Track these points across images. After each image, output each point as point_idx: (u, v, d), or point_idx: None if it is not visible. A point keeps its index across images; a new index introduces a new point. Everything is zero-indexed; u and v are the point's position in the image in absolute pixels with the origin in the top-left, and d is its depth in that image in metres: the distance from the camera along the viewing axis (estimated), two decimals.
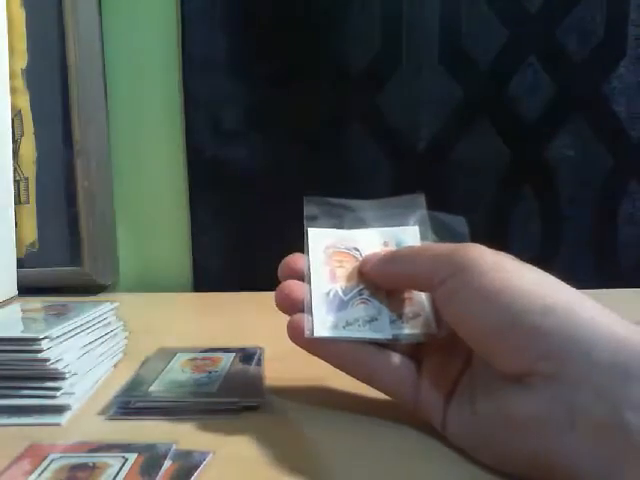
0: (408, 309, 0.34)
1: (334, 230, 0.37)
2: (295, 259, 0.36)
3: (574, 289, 0.28)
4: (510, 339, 0.27)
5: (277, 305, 0.35)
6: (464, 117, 0.73)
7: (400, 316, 0.34)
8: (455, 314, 0.30)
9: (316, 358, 0.34)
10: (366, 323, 0.33)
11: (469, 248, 0.30)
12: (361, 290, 0.35)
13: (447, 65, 0.72)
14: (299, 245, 0.37)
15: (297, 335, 0.34)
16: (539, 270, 0.30)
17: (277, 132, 0.73)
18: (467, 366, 0.32)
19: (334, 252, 0.36)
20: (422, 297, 0.35)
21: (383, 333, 0.33)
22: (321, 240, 0.36)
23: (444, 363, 0.33)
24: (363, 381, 0.34)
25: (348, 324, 0.33)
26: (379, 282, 0.35)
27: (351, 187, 0.74)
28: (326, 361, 0.34)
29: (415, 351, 0.34)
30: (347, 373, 0.34)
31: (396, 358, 0.34)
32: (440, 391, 0.32)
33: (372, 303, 0.34)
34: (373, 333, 0.33)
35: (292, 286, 0.35)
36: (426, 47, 0.72)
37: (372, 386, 0.34)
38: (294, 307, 0.34)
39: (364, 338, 0.33)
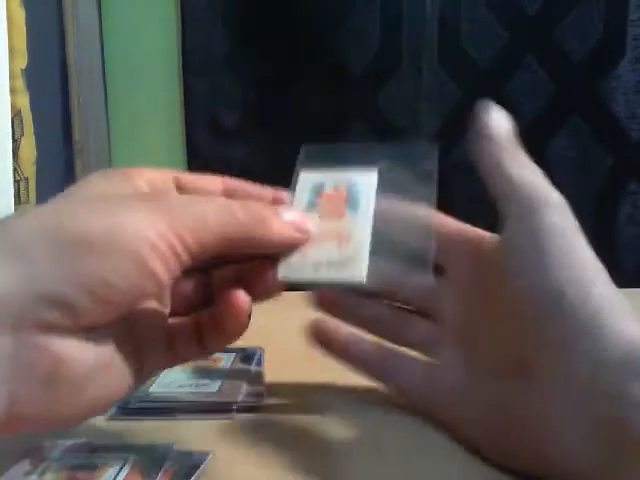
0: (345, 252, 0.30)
1: (327, 171, 0.33)
2: None
3: None
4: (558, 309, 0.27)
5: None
6: (463, 117, 0.73)
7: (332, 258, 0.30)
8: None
9: (316, 359, 0.34)
10: (339, 265, 0.29)
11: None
12: (339, 228, 0.31)
13: (446, 65, 0.72)
14: None
15: (320, 339, 0.35)
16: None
17: (277, 131, 0.73)
18: (477, 363, 0.32)
19: (322, 193, 0.32)
20: (365, 240, 0.31)
21: (355, 276, 0.29)
22: (311, 181, 0.33)
23: (458, 361, 0.33)
24: (378, 380, 0.35)
25: (318, 265, 0.29)
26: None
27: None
28: (341, 360, 0.35)
29: (429, 346, 0.34)
30: (363, 374, 0.35)
31: (412, 358, 0.34)
32: (452, 387, 0.32)
33: (347, 242, 0.30)
34: (343, 276, 0.29)
35: None
36: (426, 47, 0.72)
37: (386, 385, 0.35)
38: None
39: (333, 282, 0.30)
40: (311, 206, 0.32)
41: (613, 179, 0.74)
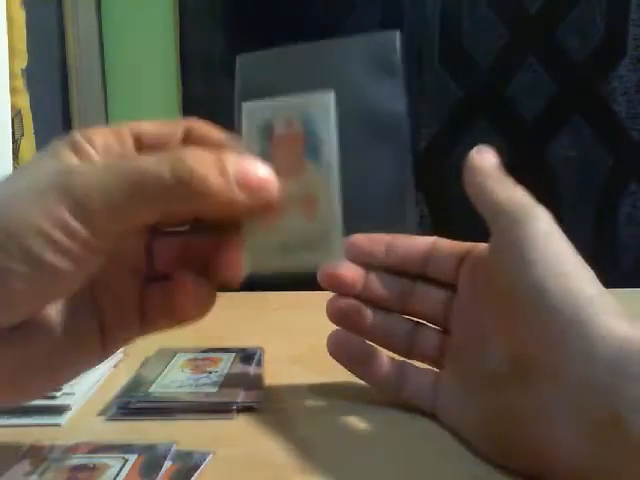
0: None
1: (273, 101, 0.25)
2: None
3: None
4: (546, 305, 0.27)
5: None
6: (464, 117, 0.73)
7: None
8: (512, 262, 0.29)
9: (315, 359, 0.34)
10: (310, 243, 0.24)
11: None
12: (302, 189, 0.24)
13: (447, 65, 0.72)
14: None
15: (336, 350, 0.36)
16: None
17: None
18: (475, 374, 0.32)
19: (273, 136, 0.25)
20: (334, 203, 0.25)
21: (331, 257, 0.24)
22: (258, 117, 0.25)
23: (457, 373, 0.33)
24: (389, 394, 0.35)
25: (285, 246, 0.23)
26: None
27: (351, 187, 0.74)
28: (350, 371, 0.36)
29: (437, 356, 0.35)
30: (375, 388, 0.36)
31: (419, 369, 0.35)
32: (458, 393, 0.33)
33: (314, 209, 0.24)
34: (318, 259, 0.24)
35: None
36: (426, 47, 0.72)
37: (398, 397, 0.35)
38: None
39: (307, 267, 0.24)
40: (264, 156, 0.24)
41: (614, 179, 0.74)
